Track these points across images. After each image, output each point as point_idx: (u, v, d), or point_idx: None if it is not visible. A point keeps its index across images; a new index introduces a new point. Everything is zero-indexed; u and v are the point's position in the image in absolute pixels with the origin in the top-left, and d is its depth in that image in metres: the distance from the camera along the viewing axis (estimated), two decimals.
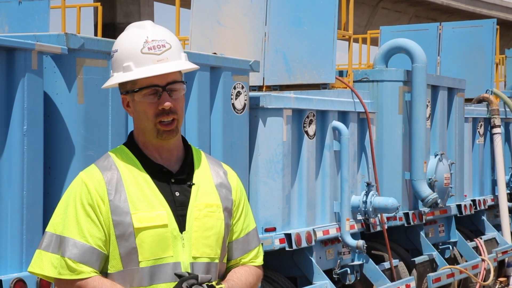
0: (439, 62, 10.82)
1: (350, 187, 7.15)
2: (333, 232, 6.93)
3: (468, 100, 10.04)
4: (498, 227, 10.33)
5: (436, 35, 10.92)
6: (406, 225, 8.09)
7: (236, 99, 6.11)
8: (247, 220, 2.88)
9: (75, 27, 9.89)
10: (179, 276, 2.63)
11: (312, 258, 6.68)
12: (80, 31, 9.88)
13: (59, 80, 4.73)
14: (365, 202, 7.25)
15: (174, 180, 2.74)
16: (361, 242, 6.93)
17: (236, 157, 6.04)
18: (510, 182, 10.91)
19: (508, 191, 10.66)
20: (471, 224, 10.16)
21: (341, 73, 7.99)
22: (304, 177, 6.69)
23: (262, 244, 2.97)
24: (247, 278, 2.82)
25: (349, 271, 7.12)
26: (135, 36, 2.71)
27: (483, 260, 9.17)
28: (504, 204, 10.11)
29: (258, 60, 6.51)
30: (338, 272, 7.06)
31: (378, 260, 7.76)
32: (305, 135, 6.71)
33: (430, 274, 8.03)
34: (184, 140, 2.84)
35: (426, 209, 8.32)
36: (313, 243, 6.61)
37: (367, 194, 7.28)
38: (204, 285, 2.61)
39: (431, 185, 8.24)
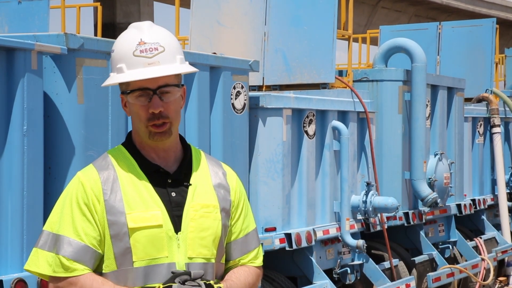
0: (439, 61, 10.82)
1: (350, 186, 7.15)
2: (333, 232, 6.93)
3: (468, 100, 10.04)
4: (498, 226, 10.33)
5: (435, 34, 10.92)
6: (406, 224, 8.10)
7: (235, 99, 6.11)
8: (247, 221, 2.88)
9: (75, 27, 9.89)
10: (174, 273, 2.63)
11: (312, 258, 6.68)
12: (79, 31, 9.88)
13: (59, 80, 4.73)
14: (365, 202, 7.25)
15: (171, 181, 2.74)
16: (361, 242, 6.93)
17: (236, 157, 6.04)
18: (509, 182, 10.91)
19: (508, 191, 10.66)
20: (471, 224, 10.16)
21: (340, 73, 7.99)
22: (304, 177, 6.70)
23: (262, 244, 2.97)
24: (246, 278, 2.82)
25: (349, 271, 7.12)
26: (130, 37, 2.71)
27: (483, 259, 9.17)
28: (503, 204, 10.11)
29: (258, 60, 6.51)
30: (338, 271, 7.06)
31: (378, 259, 7.76)
32: (305, 134, 6.71)
33: (430, 274, 8.03)
34: (183, 140, 2.84)
35: (426, 209, 8.32)
36: (313, 242, 6.62)
37: (367, 194, 7.28)
38: (202, 283, 2.61)
39: (431, 185, 8.24)
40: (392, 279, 7.55)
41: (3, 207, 4.38)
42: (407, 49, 8.06)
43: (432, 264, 8.42)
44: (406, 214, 8.06)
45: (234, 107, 6.10)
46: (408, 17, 31.72)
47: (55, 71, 4.73)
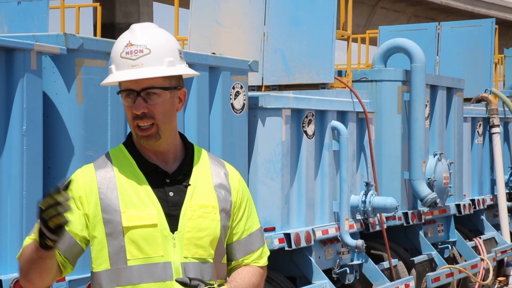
0: (438, 61, 10.82)
1: (349, 186, 7.16)
2: (332, 232, 6.94)
3: (467, 100, 10.05)
4: (497, 226, 10.34)
5: (435, 34, 10.92)
6: (405, 224, 8.10)
7: (235, 99, 6.12)
8: (250, 221, 2.87)
9: (74, 27, 9.89)
10: (180, 282, 2.62)
11: (311, 258, 6.68)
12: (79, 31, 9.88)
13: (58, 80, 4.73)
14: (364, 202, 7.26)
15: (169, 181, 2.74)
16: (360, 242, 6.93)
17: (235, 157, 6.04)
18: (509, 182, 10.92)
19: (507, 191, 10.66)
20: (470, 224, 10.16)
21: (340, 73, 8.00)
22: (303, 177, 6.70)
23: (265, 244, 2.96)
24: (250, 278, 2.81)
25: (348, 271, 7.12)
26: (122, 39, 2.73)
27: (482, 259, 9.17)
28: (503, 204, 10.12)
29: (257, 60, 6.51)
30: (337, 271, 7.06)
31: (377, 259, 7.76)
32: (304, 135, 6.71)
33: (429, 274, 8.04)
34: (185, 140, 2.84)
35: (425, 209, 8.33)
36: (312, 242, 6.62)
37: (366, 194, 7.28)
38: (202, 285, 2.60)
39: (430, 185, 8.24)
40: (391, 279, 7.55)
41: (3, 207, 4.38)
42: (406, 49, 8.06)
43: (431, 264, 8.42)
44: (406, 214, 8.07)
45: (233, 107, 6.10)
46: (407, 17, 31.73)
47: (54, 71, 4.73)
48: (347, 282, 7.12)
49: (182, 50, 2.82)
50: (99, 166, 2.75)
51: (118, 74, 2.68)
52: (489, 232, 10.13)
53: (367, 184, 7.33)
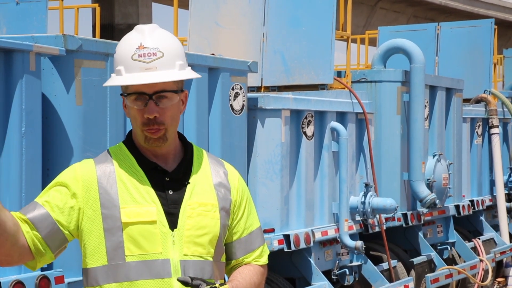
0: (437, 62, 10.82)
1: (349, 188, 7.15)
2: (331, 233, 6.93)
3: (466, 101, 10.05)
4: (496, 227, 10.33)
5: (434, 35, 10.92)
6: (404, 225, 8.10)
7: (234, 100, 6.11)
8: (250, 220, 2.88)
9: (73, 28, 9.89)
10: (181, 282, 2.63)
11: (310, 259, 6.68)
12: (78, 32, 9.88)
13: (57, 82, 4.73)
14: (363, 203, 7.25)
15: (168, 179, 2.74)
16: (359, 243, 6.93)
17: (234, 158, 6.04)
18: (508, 183, 10.91)
19: (506, 192, 10.67)
20: (469, 225, 10.16)
21: (339, 74, 8.00)
22: (302, 178, 6.69)
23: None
24: (251, 277, 2.81)
25: (347, 272, 7.12)
26: (131, 40, 2.71)
27: (481, 260, 9.17)
28: (502, 205, 10.12)
29: (256, 61, 6.51)
30: (336, 273, 7.06)
31: (377, 261, 7.76)
32: (304, 136, 6.71)
33: (429, 275, 8.03)
34: (183, 139, 2.84)
35: (425, 210, 8.32)
36: (312, 244, 6.62)
37: (365, 195, 7.28)
38: (204, 284, 2.60)
39: (429, 186, 8.24)
40: (390, 280, 7.55)
41: None
42: (406, 50, 8.06)
43: (430, 265, 8.42)
44: (405, 215, 8.07)
45: (232, 108, 6.10)
46: (406, 18, 31.75)
47: (53, 72, 4.73)
48: (346, 283, 7.12)
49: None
50: (99, 161, 2.75)
51: (131, 77, 2.66)
52: (488, 233, 10.13)
53: (367, 185, 7.33)
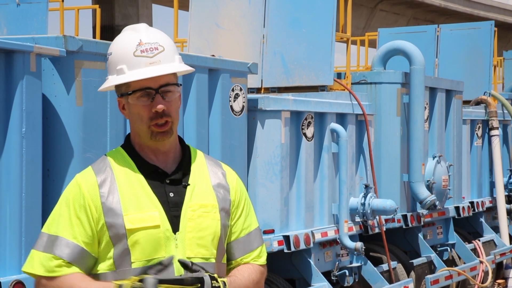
0: (437, 64, 10.82)
1: (348, 189, 7.16)
2: (331, 234, 6.94)
3: (466, 102, 10.05)
4: (496, 229, 10.33)
5: (434, 37, 10.92)
6: (404, 227, 8.10)
7: (234, 101, 6.12)
8: (248, 220, 2.88)
9: (74, 29, 9.90)
10: (182, 264, 2.64)
11: (310, 260, 6.68)
12: (78, 33, 9.89)
13: (57, 82, 4.73)
14: (363, 204, 7.25)
15: (169, 181, 2.74)
16: (359, 244, 6.93)
17: (234, 159, 6.04)
18: (508, 184, 10.91)
19: (506, 193, 10.67)
20: (469, 226, 10.16)
21: (339, 75, 8.00)
22: (302, 179, 6.70)
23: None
24: (250, 275, 2.83)
25: (347, 273, 7.12)
26: (129, 38, 2.72)
27: (481, 262, 9.17)
28: (502, 206, 10.12)
29: (256, 62, 6.51)
30: (336, 274, 7.06)
31: (377, 262, 7.76)
32: (303, 137, 6.71)
33: (428, 276, 8.03)
34: (181, 141, 2.85)
35: (424, 211, 8.33)
36: (312, 245, 6.62)
37: (365, 196, 7.28)
38: (207, 274, 2.61)
39: (429, 187, 8.24)
40: (390, 281, 7.55)
41: (2, 209, 4.38)
42: (406, 52, 8.06)
43: (430, 267, 8.42)
44: (405, 217, 8.07)
45: (232, 109, 6.10)
46: (406, 19, 31.76)
47: (53, 73, 4.73)
48: (346, 284, 7.12)
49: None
50: (98, 170, 2.74)
51: (137, 73, 2.67)
52: (488, 235, 10.13)
53: (366, 187, 7.33)
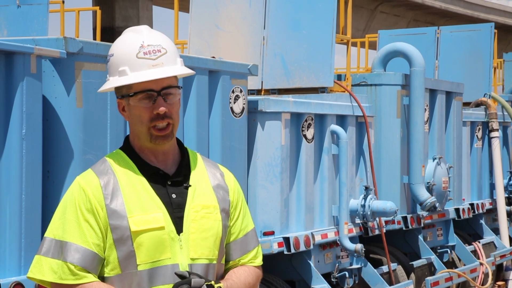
0: (437, 66, 10.83)
1: (349, 190, 7.16)
2: (331, 236, 6.94)
3: (466, 104, 10.05)
4: (496, 231, 10.33)
5: (434, 39, 10.93)
6: (404, 228, 8.10)
7: (234, 103, 6.12)
8: (245, 221, 2.89)
9: (74, 31, 9.90)
10: (179, 276, 2.64)
11: (310, 262, 6.68)
12: (78, 35, 9.89)
13: (58, 84, 4.73)
14: (363, 206, 7.25)
15: (170, 183, 2.74)
16: (359, 246, 6.93)
17: (234, 161, 6.04)
18: (508, 186, 10.91)
19: (506, 195, 10.66)
20: (469, 228, 10.16)
21: (339, 77, 8.00)
22: (302, 181, 6.70)
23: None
24: (246, 278, 2.83)
25: (347, 275, 7.12)
26: (131, 40, 2.71)
27: (481, 264, 9.17)
28: (502, 208, 10.12)
29: (257, 64, 6.51)
30: (336, 275, 7.06)
31: (377, 263, 7.76)
32: (304, 138, 6.71)
33: (429, 278, 8.03)
34: (179, 143, 2.85)
35: (424, 213, 8.32)
36: (312, 246, 6.62)
37: (365, 198, 7.28)
38: (202, 280, 2.62)
39: (429, 189, 8.24)
40: (390, 283, 7.55)
41: (2, 211, 4.38)
42: (406, 54, 8.07)
43: (430, 269, 8.42)
44: (405, 218, 8.07)
45: (232, 111, 6.11)
46: (406, 21, 31.77)
47: (54, 75, 4.73)
48: (346, 286, 7.12)
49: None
50: (100, 172, 2.73)
51: (140, 75, 2.67)
52: (488, 237, 10.13)
53: (366, 188, 7.33)
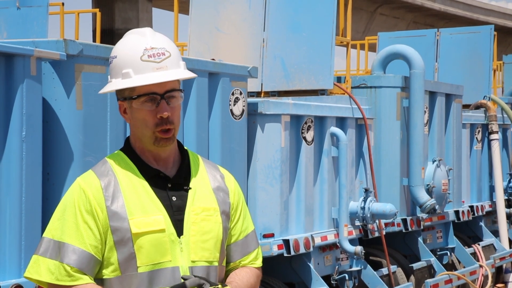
0: (437, 68, 10.84)
1: (348, 193, 7.16)
2: (331, 238, 6.94)
3: (466, 106, 10.06)
4: (496, 233, 10.33)
5: (434, 41, 10.94)
6: (404, 231, 8.10)
7: (234, 105, 6.12)
8: (246, 223, 2.90)
9: (74, 33, 9.90)
10: (184, 279, 2.64)
11: (310, 264, 6.68)
12: (78, 37, 9.89)
13: (57, 86, 4.73)
14: (363, 208, 7.25)
15: (171, 185, 2.74)
16: (359, 248, 6.93)
17: (234, 163, 6.05)
18: (507, 188, 10.91)
19: (506, 197, 10.66)
20: (469, 230, 10.16)
21: (339, 79, 8.00)
22: (302, 183, 6.70)
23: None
24: (249, 279, 2.84)
25: (347, 277, 7.12)
26: (135, 43, 2.71)
27: (481, 266, 9.17)
28: (501, 210, 10.12)
29: (257, 66, 6.52)
30: (336, 278, 7.06)
31: (376, 266, 7.76)
32: (303, 141, 6.72)
33: (428, 280, 8.03)
34: (180, 145, 2.85)
35: (424, 215, 8.33)
36: (311, 249, 6.62)
37: (365, 200, 7.28)
38: (207, 284, 2.62)
39: (429, 191, 8.25)
40: (390, 285, 7.55)
41: (2, 212, 4.38)
42: (405, 56, 8.07)
43: (430, 271, 8.42)
44: (404, 221, 8.07)
45: (232, 113, 6.11)
46: (406, 23, 31.79)
47: (54, 77, 4.73)
48: None
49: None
50: (100, 173, 2.73)
51: (144, 77, 2.67)
52: (488, 239, 10.13)
53: (366, 190, 7.34)
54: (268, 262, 6.22)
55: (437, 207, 8.19)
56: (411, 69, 7.99)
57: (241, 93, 6.18)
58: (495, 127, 10.24)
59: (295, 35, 7.61)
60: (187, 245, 2.70)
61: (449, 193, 8.62)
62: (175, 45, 2.79)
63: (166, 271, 2.67)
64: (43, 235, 2.71)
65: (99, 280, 2.69)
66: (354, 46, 13.40)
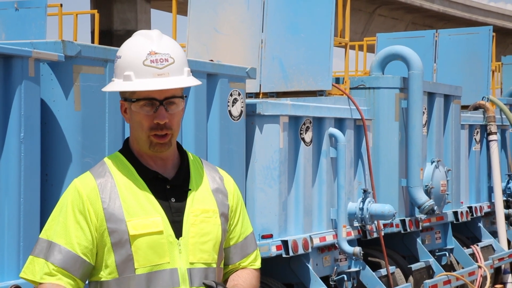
0: (436, 69, 10.84)
1: (347, 194, 7.16)
2: (329, 239, 6.94)
3: (465, 107, 10.06)
4: (494, 234, 10.33)
5: (432, 42, 10.94)
6: (402, 232, 8.10)
7: (232, 106, 6.12)
8: (245, 225, 2.90)
9: (72, 34, 9.91)
10: (206, 286, 2.64)
11: (309, 265, 6.68)
12: (77, 38, 9.90)
13: (56, 87, 4.73)
14: (361, 209, 7.26)
15: (169, 187, 2.74)
16: (357, 249, 6.93)
17: (233, 164, 6.05)
18: (506, 189, 10.91)
19: (505, 198, 10.67)
20: (467, 231, 10.16)
21: (337, 80, 8.00)
22: (300, 184, 6.70)
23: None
24: (251, 281, 2.85)
25: (345, 278, 7.12)
26: (140, 45, 2.69)
27: (479, 267, 9.17)
28: (500, 211, 10.12)
29: (255, 67, 6.52)
30: (334, 279, 7.06)
31: (375, 267, 7.76)
32: (302, 142, 6.72)
33: (427, 281, 8.03)
34: (179, 147, 2.85)
35: (423, 216, 8.33)
36: (310, 250, 6.62)
37: (363, 201, 7.29)
38: None
39: (428, 192, 8.25)
40: (388, 286, 7.55)
41: (0, 214, 4.38)
42: (404, 57, 8.07)
43: (428, 272, 8.42)
44: (403, 221, 8.07)
45: (231, 114, 6.11)
46: (404, 24, 31.81)
47: (52, 78, 4.73)
48: None
49: None
50: (98, 175, 2.73)
51: (143, 82, 2.65)
52: (487, 240, 10.13)
53: (365, 191, 7.34)
54: (267, 263, 6.22)
55: (435, 208, 8.19)
56: (409, 70, 8.00)
57: (239, 94, 6.18)
58: (493, 128, 10.24)
59: (293, 36, 7.61)
60: (185, 247, 2.70)
61: (447, 194, 8.62)
62: (182, 50, 2.75)
63: (164, 273, 2.67)
64: (39, 236, 2.72)
65: (96, 282, 2.69)
66: (352, 47, 13.41)
